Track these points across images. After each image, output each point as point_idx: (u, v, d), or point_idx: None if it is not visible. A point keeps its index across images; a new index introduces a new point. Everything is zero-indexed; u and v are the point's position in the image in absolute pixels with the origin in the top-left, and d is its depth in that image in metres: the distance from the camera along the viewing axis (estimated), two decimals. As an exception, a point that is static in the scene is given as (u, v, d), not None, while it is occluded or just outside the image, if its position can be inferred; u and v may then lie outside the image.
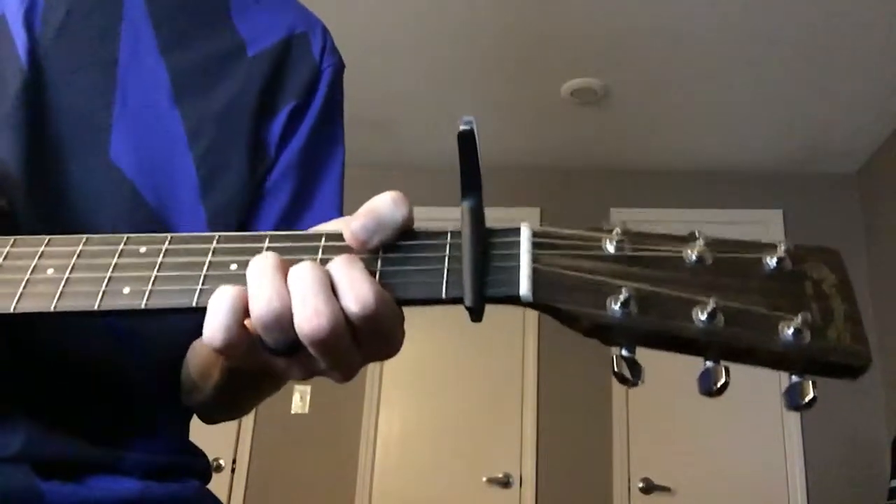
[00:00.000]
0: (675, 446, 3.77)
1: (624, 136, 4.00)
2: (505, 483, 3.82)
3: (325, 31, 0.82)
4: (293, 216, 0.74)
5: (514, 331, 4.04)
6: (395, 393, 4.07)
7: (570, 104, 3.69)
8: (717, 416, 3.75)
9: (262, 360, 0.46)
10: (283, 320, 0.42)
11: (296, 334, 0.42)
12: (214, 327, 0.43)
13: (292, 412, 4.06)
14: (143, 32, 0.71)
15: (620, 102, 3.68)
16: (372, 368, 4.07)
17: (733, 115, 3.71)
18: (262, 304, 0.42)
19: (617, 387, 3.87)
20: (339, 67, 0.81)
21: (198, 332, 0.68)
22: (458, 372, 4.05)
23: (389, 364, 4.09)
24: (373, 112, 3.85)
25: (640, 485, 3.71)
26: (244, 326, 0.44)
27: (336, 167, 0.79)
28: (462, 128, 0.43)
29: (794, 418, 3.70)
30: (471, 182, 0.45)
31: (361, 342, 0.45)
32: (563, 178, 4.28)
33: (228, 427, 4.00)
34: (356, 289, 0.43)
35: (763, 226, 3.96)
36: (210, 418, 0.73)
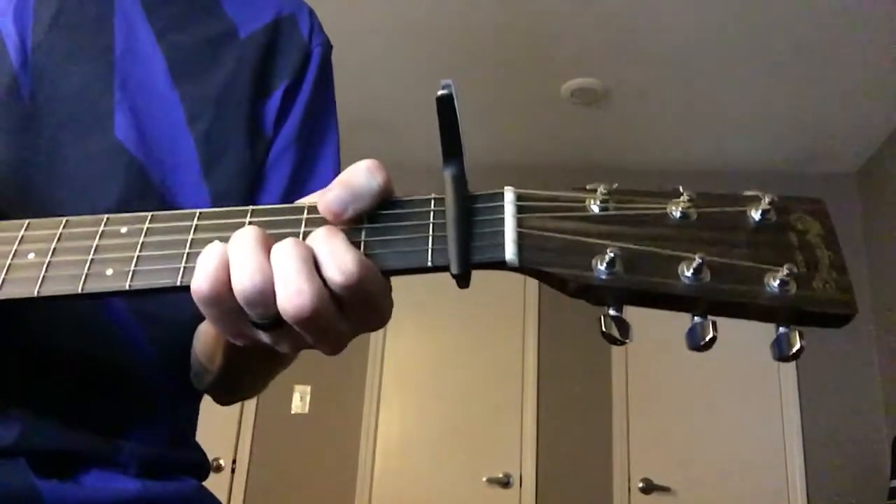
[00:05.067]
0: (675, 446, 3.77)
1: (624, 136, 4.00)
2: (505, 483, 3.81)
3: (311, 13, 0.84)
4: (296, 187, 0.75)
5: (514, 331, 4.04)
6: (395, 393, 4.06)
7: (570, 104, 3.70)
8: (718, 417, 3.75)
9: (250, 333, 0.46)
10: (266, 295, 0.42)
11: (279, 310, 0.42)
12: (201, 277, 0.43)
13: (292, 412, 4.06)
14: (136, 19, 0.72)
15: (620, 102, 3.68)
16: (372, 368, 4.07)
17: (733, 115, 3.71)
18: (244, 278, 0.42)
19: (618, 387, 3.87)
20: (328, 46, 0.83)
21: (199, 318, 0.68)
22: (457, 372, 4.05)
23: (389, 364, 4.09)
24: (373, 112, 3.86)
25: (640, 485, 3.70)
26: (230, 280, 0.43)
27: (332, 142, 0.80)
28: (440, 92, 0.42)
29: (794, 419, 3.69)
30: (451, 147, 0.44)
31: (347, 313, 0.44)
32: (563, 178, 4.28)
33: (228, 427, 4.00)
34: (338, 258, 0.43)
35: (763, 226, 3.97)
36: (222, 401, 0.74)
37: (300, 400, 4.06)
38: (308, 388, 4.06)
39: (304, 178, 0.76)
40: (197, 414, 0.76)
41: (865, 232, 3.94)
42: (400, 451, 3.98)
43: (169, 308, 0.66)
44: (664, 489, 3.68)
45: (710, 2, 2.94)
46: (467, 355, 4.06)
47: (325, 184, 0.76)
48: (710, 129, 3.85)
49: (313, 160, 0.78)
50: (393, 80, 3.63)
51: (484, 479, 3.82)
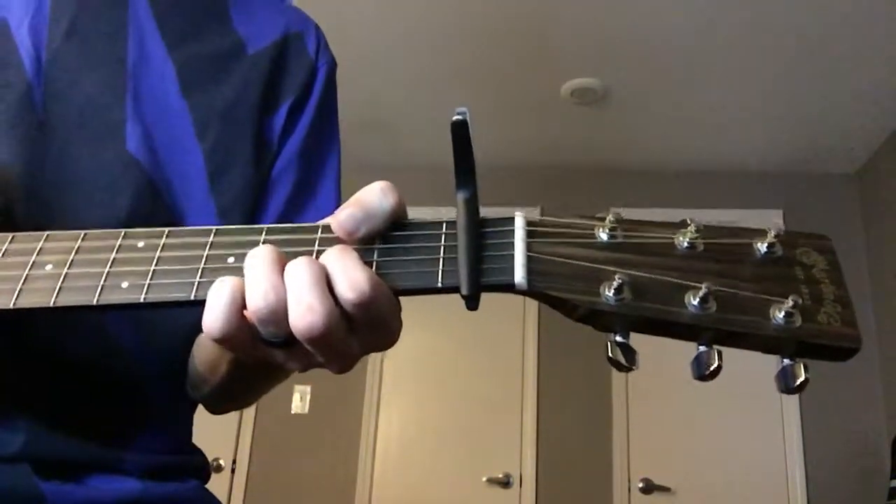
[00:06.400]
0: (675, 446, 3.77)
1: (624, 136, 4.00)
2: (505, 483, 3.82)
3: (318, 31, 0.85)
4: (296, 207, 0.76)
5: (514, 331, 4.04)
6: (395, 393, 4.07)
7: (570, 104, 3.70)
8: (718, 417, 3.75)
9: (262, 352, 0.46)
10: (279, 314, 0.43)
11: (290, 328, 0.43)
12: (213, 317, 0.44)
13: (292, 412, 4.06)
14: (148, 32, 0.73)
15: (620, 102, 3.68)
16: (372, 368, 4.07)
17: (733, 115, 3.71)
18: (258, 298, 0.43)
19: (617, 387, 3.88)
20: (333, 65, 0.84)
21: (200, 329, 0.68)
22: (458, 372, 4.05)
23: (389, 364, 4.09)
24: (373, 113, 3.86)
25: (640, 485, 3.71)
26: (242, 317, 0.44)
27: (334, 160, 0.81)
28: (455, 118, 0.43)
29: (794, 418, 3.69)
30: (465, 172, 0.45)
31: (358, 332, 0.45)
32: (563, 177, 4.28)
33: (228, 427, 4.00)
34: (350, 276, 0.43)
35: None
36: (217, 409, 0.74)
37: (300, 400, 4.07)
38: (308, 388, 4.07)
39: (305, 196, 0.77)
40: (193, 416, 0.76)
41: (865, 232, 3.94)
42: (400, 451, 3.98)
43: (168, 318, 0.67)
44: (664, 489, 3.69)
45: (710, 2, 2.94)
46: (467, 355, 4.07)
47: (325, 203, 0.77)
48: (710, 129, 3.85)
49: (315, 179, 0.79)
50: (393, 81, 3.63)
51: (484, 479, 3.83)
